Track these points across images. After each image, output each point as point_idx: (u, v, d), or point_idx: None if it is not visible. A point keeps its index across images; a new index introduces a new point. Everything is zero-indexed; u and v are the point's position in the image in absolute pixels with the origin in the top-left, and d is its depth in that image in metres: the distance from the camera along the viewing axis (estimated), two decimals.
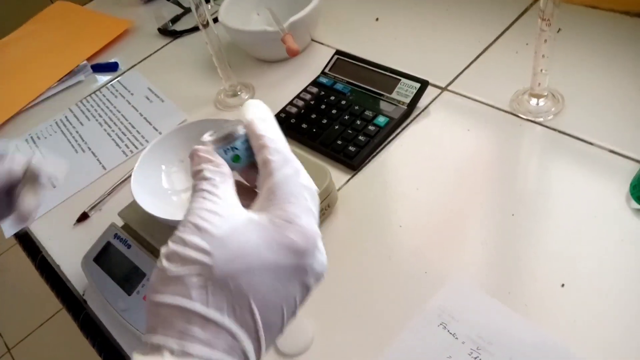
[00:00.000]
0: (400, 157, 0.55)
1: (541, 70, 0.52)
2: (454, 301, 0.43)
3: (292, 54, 0.62)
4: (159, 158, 0.50)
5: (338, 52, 0.66)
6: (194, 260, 0.25)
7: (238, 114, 0.31)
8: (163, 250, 0.26)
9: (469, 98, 0.59)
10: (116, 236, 0.50)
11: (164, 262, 0.26)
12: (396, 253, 0.47)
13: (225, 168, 0.29)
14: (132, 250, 0.49)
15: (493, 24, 0.66)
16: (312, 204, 0.28)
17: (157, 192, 0.49)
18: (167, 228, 0.43)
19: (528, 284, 0.42)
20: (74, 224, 0.59)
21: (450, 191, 0.50)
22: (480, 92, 0.59)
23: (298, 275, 0.27)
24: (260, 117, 0.30)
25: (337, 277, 0.47)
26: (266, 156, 0.29)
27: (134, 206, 0.51)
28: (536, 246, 0.44)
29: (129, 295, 0.47)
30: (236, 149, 0.30)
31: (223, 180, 0.28)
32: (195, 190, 0.28)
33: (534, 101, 0.55)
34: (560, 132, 0.52)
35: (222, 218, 0.26)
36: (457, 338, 0.40)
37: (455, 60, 0.63)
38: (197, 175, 0.28)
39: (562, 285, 0.41)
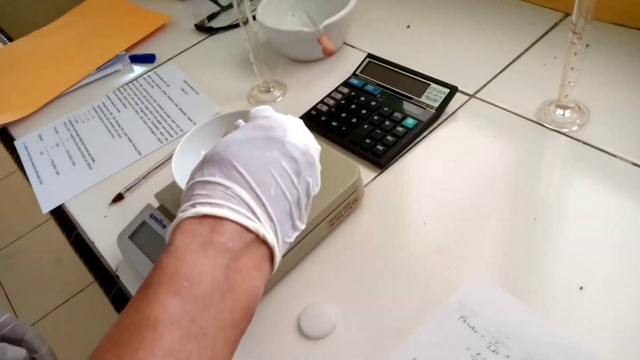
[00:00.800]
0: (427, 158, 0.57)
1: (569, 82, 0.53)
2: (475, 297, 0.44)
3: (328, 53, 0.64)
4: (199, 143, 0.52)
5: (370, 55, 0.68)
6: (197, 168, 0.37)
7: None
8: None
9: (496, 106, 0.60)
10: (152, 216, 0.53)
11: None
12: (419, 248, 0.49)
13: None
14: (166, 230, 0.51)
15: (522, 37, 0.68)
16: (284, 115, 0.38)
17: None
18: None
19: (547, 285, 0.44)
20: (109, 204, 0.62)
21: (475, 194, 0.52)
22: (507, 101, 0.60)
23: (273, 145, 0.35)
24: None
25: (361, 267, 0.48)
26: (249, 111, 0.39)
27: (170, 188, 0.54)
28: (556, 250, 0.46)
29: None
30: None
31: None
32: None
33: (560, 112, 0.56)
34: (584, 143, 0.54)
35: None
36: (476, 332, 0.42)
37: (484, 69, 0.65)
38: None
39: (581, 287, 0.43)
